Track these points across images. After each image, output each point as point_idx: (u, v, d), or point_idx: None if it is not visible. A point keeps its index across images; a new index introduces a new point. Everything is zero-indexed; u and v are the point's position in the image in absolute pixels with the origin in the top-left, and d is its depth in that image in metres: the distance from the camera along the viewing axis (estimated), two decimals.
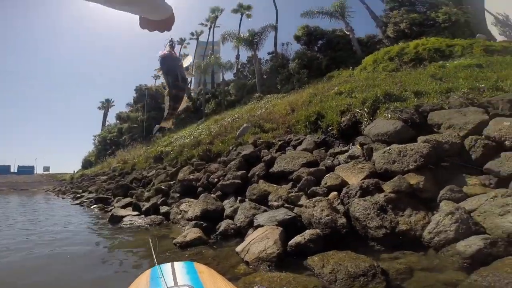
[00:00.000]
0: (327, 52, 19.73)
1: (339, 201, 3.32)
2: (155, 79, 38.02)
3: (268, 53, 25.46)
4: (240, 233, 3.49)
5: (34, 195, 17.31)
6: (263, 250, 2.48)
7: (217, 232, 3.64)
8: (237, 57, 26.88)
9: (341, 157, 4.61)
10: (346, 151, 4.79)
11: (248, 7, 28.19)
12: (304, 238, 2.56)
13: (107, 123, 42.29)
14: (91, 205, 8.82)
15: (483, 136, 3.44)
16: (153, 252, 1.72)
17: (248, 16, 28.41)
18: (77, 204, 9.99)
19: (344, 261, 2.12)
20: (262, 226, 3.04)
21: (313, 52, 20.79)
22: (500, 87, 5.04)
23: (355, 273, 1.96)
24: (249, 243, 2.72)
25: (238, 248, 2.80)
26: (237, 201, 4.48)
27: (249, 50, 23.37)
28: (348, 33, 20.07)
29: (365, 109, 5.49)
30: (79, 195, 12.29)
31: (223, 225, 3.70)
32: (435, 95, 5.31)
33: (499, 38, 15.03)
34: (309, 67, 18.34)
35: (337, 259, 2.18)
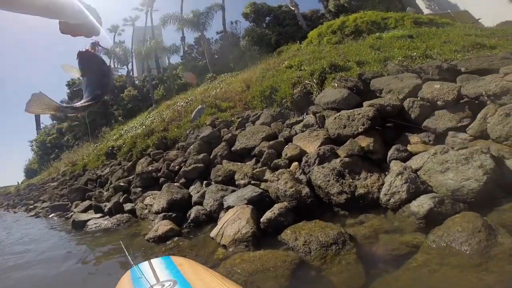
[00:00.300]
0: (275, 28, 20.12)
1: (300, 170, 3.50)
2: None
3: (217, 33, 24.87)
4: (212, 218, 3.52)
5: None
6: (238, 231, 2.56)
7: (189, 221, 3.61)
8: (183, 39, 25.38)
9: (297, 127, 4.79)
10: (301, 120, 4.99)
11: None
12: (274, 213, 2.68)
13: (42, 125, 37.61)
14: (48, 214, 8.19)
15: (418, 98, 3.83)
16: (126, 253, 1.68)
17: None
18: (32, 216, 9.13)
19: (315, 231, 2.26)
20: (233, 207, 3.10)
21: (262, 28, 21.01)
22: (429, 55, 5.67)
23: (326, 242, 2.10)
24: (222, 226, 2.78)
25: (213, 233, 2.84)
26: (203, 186, 4.45)
27: (196, 31, 22.36)
28: (293, 8, 20.46)
29: (314, 80, 5.79)
30: (31, 206, 11.20)
31: (193, 212, 3.68)
32: (375, 64, 5.82)
33: (426, 11, 16.51)
34: (259, 43, 18.65)
35: (307, 230, 2.32)
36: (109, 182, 8.14)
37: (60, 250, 4.31)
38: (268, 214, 2.71)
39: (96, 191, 7.93)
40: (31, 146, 34.08)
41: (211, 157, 5.23)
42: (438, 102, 3.56)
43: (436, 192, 2.40)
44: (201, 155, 5.30)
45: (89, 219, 5.25)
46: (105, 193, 7.15)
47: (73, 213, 6.79)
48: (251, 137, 5.00)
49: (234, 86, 9.79)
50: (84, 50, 0.99)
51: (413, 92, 4.02)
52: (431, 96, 3.67)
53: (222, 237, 2.66)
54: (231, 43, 21.13)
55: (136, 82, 28.74)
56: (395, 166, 2.92)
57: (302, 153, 3.83)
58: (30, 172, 30.91)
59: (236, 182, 3.97)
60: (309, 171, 3.28)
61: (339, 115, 3.90)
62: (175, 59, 27.84)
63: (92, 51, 1.01)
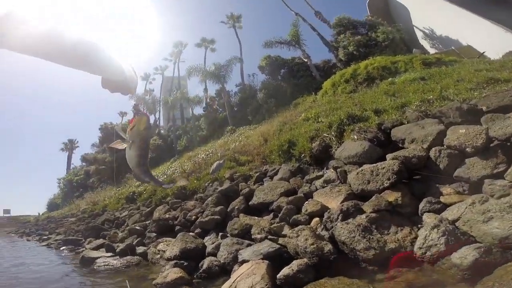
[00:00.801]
0: (290, 80, 20.47)
1: (322, 226, 3.35)
2: (122, 117, 36.67)
3: (236, 85, 25.83)
4: (225, 270, 3.34)
5: None
6: (251, 287, 2.39)
7: (200, 271, 3.46)
8: (205, 90, 26.84)
9: (318, 183, 4.67)
10: (321, 176, 4.87)
11: (212, 41, 28.05)
12: (292, 270, 2.50)
13: (72, 165, 39.85)
14: (60, 247, 8.24)
15: (445, 146, 3.64)
16: None
17: (212, 50, 28.32)
18: (44, 245, 9.09)
19: None
20: (248, 261, 2.94)
21: (277, 81, 21.56)
22: (445, 97, 5.42)
23: None
24: (235, 280, 2.61)
25: (225, 286, 2.66)
26: (219, 237, 4.34)
27: (217, 83, 23.52)
28: (305, 60, 21.20)
29: (333, 133, 5.65)
30: (45, 237, 11.28)
31: (206, 262, 3.53)
32: (392, 111, 5.58)
33: (431, 50, 16.81)
34: (275, 95, 18.95)
35: (330, 287, 2.14)
36: (125, 224, 8.17)
37: (64, 281, 4.19)
38: (285, 271, 2.53)
39: (111, 231, 7.95)
40: (59, 184, 35.54)
41: (228, 210, 5.20)
42: (467, 149, 3.36)
43: (480, 242, 2.24)
44: (218, 208, 5.28)
45: (98, 257, 5.19)
46: (120, 234, 7.14)
47: (84, 249, 6.75)
48: (269, 192, 4.94)
49: (252, 139, 9.97)
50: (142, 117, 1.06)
51: (438, 139, 3.83)
52: (458, 143, 3.48)
53: None
54: (249, 95, 21.72)
55: (162, 131, 30.03)
56: (428, 218, 2.76)
57: (324, 209, 3.69)
58: (52, 206, 31.74)
59: (253, 236, 3.83)
60: (332, 227, 3.11)
61: (362, 170, 3.80)
62: (198, 110, 29.12)
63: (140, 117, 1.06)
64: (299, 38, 21.61)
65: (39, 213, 31.84)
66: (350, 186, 3.87)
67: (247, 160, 8.07)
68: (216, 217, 5.02)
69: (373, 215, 2.94)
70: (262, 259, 2.88)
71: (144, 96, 29.99)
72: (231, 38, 36.21)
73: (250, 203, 5.05)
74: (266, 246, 3.13)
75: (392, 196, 3.20)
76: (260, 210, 4.85)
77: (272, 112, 15.50)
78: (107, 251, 5.65)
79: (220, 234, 4.42)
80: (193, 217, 5.66)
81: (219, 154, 10.30)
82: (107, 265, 4.78)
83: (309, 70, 20.73)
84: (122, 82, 0.79)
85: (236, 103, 23.45)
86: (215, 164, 8.40)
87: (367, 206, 3.17)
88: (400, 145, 4.35)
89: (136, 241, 5.79)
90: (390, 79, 9.76)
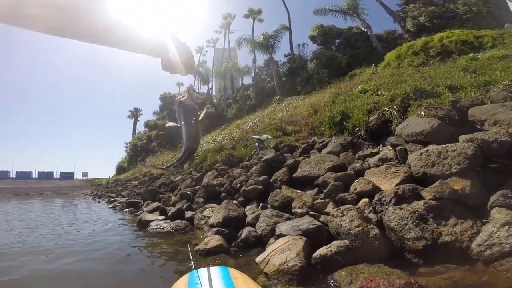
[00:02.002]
0: (346, 50, 19.33)
1: (370, 208, 3.02)
2: (179, 87, 40.01)
3: (285, 55, 25.57)
4: (261, 242, 3.31)
5: (73, 198, 18.58)
6: (284, 262, 2.27)
7: (239, 240, 3.48)
8: (254, 61, 27.10)
9: (371, 160, 4.29)
10: (377, 153, 4.45)
11: (259, 12, 27.65)
12: (331, 250, 2.31)
13: (137, 131, 44.29)
14: (123, 209, 9.21)
15: None
16: (190, 257, 1.77)
17: (260, 20, 27.97)
18: (110, 208, 10.44)
19: (376, 276, 1.87)
20: (285, 235, 2.83)
21: (331, 51, 20.51)
22: None
23: None
24: (269, 254, 2.53)
25: (258, 259, 2.61)
26: (259, 208, 4.30)
27: (265, 54, 23.54)
28: (365, 30, 19.59)
29: (395, 107, 5.13)
30: (112, 199, 12.93)
31: (244, 232, 3.54)
32: (472, 89, 4.93)
33: None
34: (328, 66, 18.10)
35: (367, 274, 1.94)
36: (178, 189, 8.77)
37: (122, 240, 4.72)
38: (323, 250, 2.35)
39: (166, 194, 8.61)
40: (125, 148, 40.19)
41: (271, 180, 5.10)
42: None
43: None
44: (262, 177, 5.21)
45: (153, 220, 5.63)
46: (173, 198, 7.66)
47: (142, 211, 7.45)
48: (315, 165, 4.68)
49: (301, 109, 9.67)
50: (183, 99, 1.19)
51: None
52: None
53: (266, 264, 2.41)
54: (298, 65, 21.16)
55: (214, 100, 31.46)
56: (498, 214, 2.32)
57: (375, 189, 3.33)
58: (120, 169, 35.82)
59: (293, 210, 3.69)
60: (382, 210, 2.79)
61: (427, 150, 3.27)
62: (247, 80, 29.74)
63: (187, 97, 1.22)
64: (358, 7, 19.83)
65: (109, 176, 36.42)
66: (409, 167, 3.41)
67: (294, 130, 7.80)
68: (259, 186, 4.97)
69: (433, 202, 2.54)
70: (300, 235, 2.74)
71: (198, 68, 31.64)
72: (279, 7, 35.42)
73: (294, 175, 4.87)
74: (306, 222, 2.96)
75: (459, 184, 2.71)
76: (304, 183, 4.65)
77: (324, 83, 14.73)
78: (160, 214, 6.08)
79: (261, 204, 4.37)
80: (238, 185, 5.73)
81: (267, 121, 10.14)
82: (159, 228, 5.15)
83: (368, 40, 19.25)
84: (180, 64, 0.81)
85: (284, 73, 23.11)
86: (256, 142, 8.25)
87: (427, 192, 2.74)
88: (479, 126, 3.76)
89: (185, 205, 6.14)
90: (471, 54, 8.61)
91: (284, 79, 22.49)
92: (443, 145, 3.20)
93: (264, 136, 7.60)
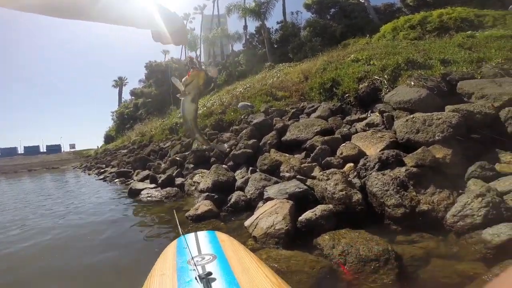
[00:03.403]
0: (341, 20, 19.14)
1: (355, 173, 3.11)
2: (164, 55, 39.37)
3: (277, 22, 25.11)
4: (250, 206, 3.40)
5: (63, 172, 18.42)
6: (271, 226, 2.37)
7: (228, 204, 3.57)
8: (245, 27, 26.19)
9: (359, 125, 4.36)
10: (364, 118, 4.53)
11: None
12: (315, 214, 2.40)
13: (122, 99, 43.25)
14: (113, 179, 9.18)
15: None
16: (177, 223, 1.81)
17: None
18: (101, 179, 10.42)
19: (357, 242, 1.96)
20: (272, 199, 2.91)
21: (325, 20, 20.16)
22: None
23: (366, 257, 1.81)
24: (257, 217, 2.62)
25: (247, 223, 2.70)
26: (249, 172, 4.36)
27: (257, 20, 22.86)
28: (363, 1, 19.15)
29: (386, 76, 5.20)
30: (102, 170, 12.81)
31: (234, 197, 3.62)
32: (464, 64, 5.04)
33: None
34: (322, 35, 17.92)
35: (349, 239, 2.02)
36: (168, 155, 8.72)
37: (113, 209, 4.79)
38: (308, 214, 2.45)
39: (156, 162, 8.58)
40: (112, 116, 39.34)
41: (260, 144, 5.12)
42: None
43: None
44: (251, 141, 5.22)
45: (143, 188, 5.68)
46: (163, 165, 7.64)
47: (133, 180, 7.47)
48: (304, 129, 4.71)
49: (292, 76, 9.54)
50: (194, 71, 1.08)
51: None
52: None
53: (254, 228, 2.51)
54: (291, 33, 20.90)
55: (203, 67, 30.77)
56: (474, 185, 2.43)
57: (361, 154, 3.41)
58: (108, 138, 35.21)
59: (281, 174, 3.77)
60: (366, 176, 2.88)
61: (413, 117, 3.32)
62: (238, 46, 29.16)
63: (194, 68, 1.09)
64: None
65: (98, 146, 35.99)
66: (395, 133, 3.48)
67: (284, 96, 7.73)
68: (248, 150, 4.99)
69: (414, 170, 2.62)
70: (287, 198, 2.82)
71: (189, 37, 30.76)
72: None
73: (282, 139, 4.92)
74: (293, 186, 3.04)
75: (441, 152, 2.80)
76: (292, 147, 4.71)
77: (317, 51, 14.48)
78: (151, 182, 6.08)
79: (250, 168, 4.43)
80: (227, 149, 5.74)
81: (258, 87, 9.94)
82: (149, 196, 5.21)
83: (365, 12, 18.99)
84: (171, 34, 0.77)
85: (276, 40, 22.74)
86: (240, 104, 8.17)
87: (410, 159, 2.83)
88: (466, 99, 3.84)
89: (175, 172, 6.17)
90: (469, 32, 8.58)
91: (276, 46, 22.12)
92: (428, 113, 3.26)
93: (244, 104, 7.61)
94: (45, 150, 46.00)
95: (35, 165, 27.95)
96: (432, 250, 2.01)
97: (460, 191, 2.47)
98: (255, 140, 5.23)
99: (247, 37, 26.52)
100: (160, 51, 40.11)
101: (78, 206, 5.42)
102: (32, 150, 44.47)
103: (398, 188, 2.45)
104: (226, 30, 27.02)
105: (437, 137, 2.94)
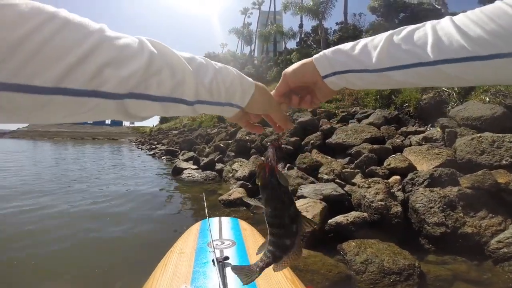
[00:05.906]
0: None
1: (400, 186, 2.87)
2: (222, 48, 41.51)
3: (336, 23, 24.24)
4: None
5: (120, 144, 20.71)
6: None
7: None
8: (300, 26, 25.83)
9: (414, 138, 4.01)
10: (422, 131, 4.16)
11: None
12: (347, 220, 2.29)
13: None
14: (161, 157, 9.98)
15: None
16: (205, 206, 1.80)
17: None
18: (150, 155, 11.35)
19: (383, 253, 1.84)
20: (305, 197, 2.84)
21: (392, 24, 18.53)
22: None
23: (389, 269, 1.70)
24: None
25: None
26: (286, 168, 4.32)
27: (314, 20, 22.21)
28: (439, 7, 16.98)
29: (455, 89, 4.70)
30: (153, 147, 13.97)
31: None
32: None
33: None
34: None
35: (375, 249, 1.90)
36: (213, 141, 9.12)
37: (156, 183, 5.17)
38: (339, 218, 2.34)
39: (201, 146, 9.04)
40: None
41: (302, 143, 5.06)
42: None
43: None
44: (294, 138, 5.19)
45: (186, 168, 6.02)
46: (207, 149, 8.04)
47: (178, 159, 7.97)
48: (352, 134, 4.49)
49: None
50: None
51: None
52: None
53: None
54: (351, 35, 19.64)
55: (255, 61, 31.19)
56: None
57: (410, 168, 3.14)
58: (163, 119, 38.05)
59: (319, 175, 3.66)
60: (411, 190, 2.63)
61: (480, 136, 2.93)
62: (292, 44, 28.92)
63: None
64: None
65: (153, 125, 39.14)
66: (454, 152, 3.13)
67: (335, 99, 7.41)
68: (289, 147, 4.97)
69: (468, 191, 2.34)
70: (321, 199, 2.73)
71: (242, 29, 31.26)
72: None
73: (327, 141, 4.78)
74: (330, 188, 2.94)
75: (505, 178, 2.45)
76: (336, 151, 4.55)
77: None
78: (194, 164, 6.46)
79: (288, 165, 4.37)
80: (268, 143, 5.75)
81: None
82: (190, 176, 5.52)
83: (441, 18, 16.70)
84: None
85: (333, 42, 21.68)
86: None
87: (466, 179, 2.51)
88: None
89: (217, 157, 6.42)
90: None
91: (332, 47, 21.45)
92: (500, 134, 2.85)
93: None
94: (109, 123, 51.78)
95: (99, 135, 31.77)
96: (460, 273, 1.85)
97: None
98: (298, 138, 5.18)
99: (302, 35, 26.16)
100: (219, 44, 42.31)
101: (127, 177, 6.00)
102: (98, 122, 50.85)
103: (445, 207, 2.22)
104: (281, 27, 26.97)
105: (504, 161, 2.58)
